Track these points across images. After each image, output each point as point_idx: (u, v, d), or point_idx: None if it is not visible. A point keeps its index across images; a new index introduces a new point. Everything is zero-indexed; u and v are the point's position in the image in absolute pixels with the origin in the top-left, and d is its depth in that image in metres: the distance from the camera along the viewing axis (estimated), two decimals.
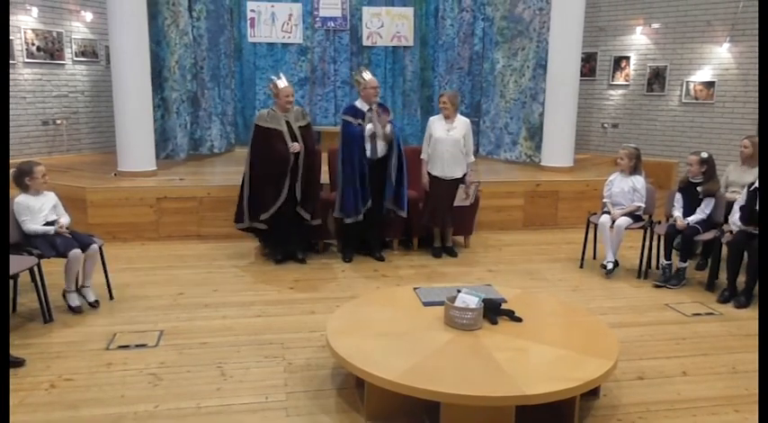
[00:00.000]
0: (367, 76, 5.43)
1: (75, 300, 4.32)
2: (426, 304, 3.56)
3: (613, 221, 5.27)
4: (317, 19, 8.90)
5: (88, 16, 8.05)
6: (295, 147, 5.16)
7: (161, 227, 6.21)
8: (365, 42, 8.99)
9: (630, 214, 5.31)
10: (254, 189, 5.27)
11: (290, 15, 8.81)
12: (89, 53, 8.17)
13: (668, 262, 5.09)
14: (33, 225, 4.24)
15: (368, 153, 5.35)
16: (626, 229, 5.24)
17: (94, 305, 4.38)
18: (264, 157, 5.18)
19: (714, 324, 4.27)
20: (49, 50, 7.67)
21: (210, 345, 3.79)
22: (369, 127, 5.31)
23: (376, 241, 5.71)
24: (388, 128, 5.36)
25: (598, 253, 5.65)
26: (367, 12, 8.92)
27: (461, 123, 5.59)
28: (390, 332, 3.23)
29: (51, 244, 4.22)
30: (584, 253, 5.56)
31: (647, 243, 5.23)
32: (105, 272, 4.53)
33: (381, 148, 5.39)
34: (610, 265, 5.24)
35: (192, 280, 5.02)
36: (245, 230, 5.53)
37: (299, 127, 5.30)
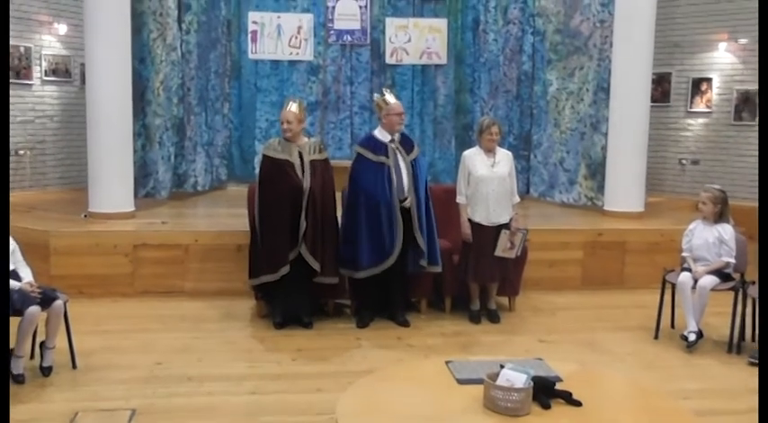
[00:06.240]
0: (391, 99, 5.56)
1: (20, 367, 4.33)
2: (461, 382, 3.51)
3: (696, 281, 5.20)
4: (332, 32, 9.10)
5: (62, 29, 8.34)
6: None
7: (137, 280, 6.27)
8: (388, 60, 9.16)
9: (717, 272, 5.24)
10: (270, 234, 5.29)
11: (300, 28, 8.98)
12: (61, 72, 8.45)
13: None
14: None
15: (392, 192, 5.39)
16: (711, 290, 5.17)
17: (45, 372, 4.40)
18: (275, 193, 5.27)
19: None
20: (15, 68, 7.93)
21: None
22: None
23: (399, 302, 5.69)
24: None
25: (677, 320, 5.57)
26: (391, 23, 9.10)
27: (505, 157, 5.67)
28: (416, 416, 3.19)
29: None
30: (659, 320, 5.49)
31: (740, 308, 5.14)
32: (69, 334, 4.57)
33: (406, 185, 5.41)
34: (692, 336, 5.15)
35: (173, 346, 5.03)
36: (258, 287, 5.52)
37: (313, 160, 5.40)
